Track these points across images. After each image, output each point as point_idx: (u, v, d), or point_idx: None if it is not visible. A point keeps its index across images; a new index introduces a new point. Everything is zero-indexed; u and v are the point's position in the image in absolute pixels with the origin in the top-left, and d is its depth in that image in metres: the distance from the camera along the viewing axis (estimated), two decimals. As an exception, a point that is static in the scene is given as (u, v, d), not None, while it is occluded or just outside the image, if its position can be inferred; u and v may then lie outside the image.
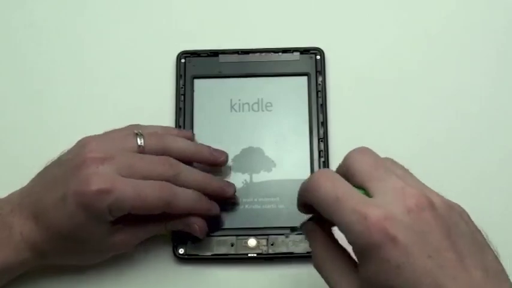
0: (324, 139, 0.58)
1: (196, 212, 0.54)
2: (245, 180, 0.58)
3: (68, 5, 0.65)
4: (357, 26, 0.64)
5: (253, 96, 0.60)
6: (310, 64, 0.61)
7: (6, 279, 0.53)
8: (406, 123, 0.60)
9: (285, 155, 0.58)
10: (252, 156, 0.58)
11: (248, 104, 0.60)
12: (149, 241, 0.56)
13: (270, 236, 0.56)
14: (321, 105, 0.60)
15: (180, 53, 0.62)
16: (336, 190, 0.42)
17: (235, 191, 0.56)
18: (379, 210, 0.40)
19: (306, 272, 0.56)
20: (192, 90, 0.61)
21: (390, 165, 0.44)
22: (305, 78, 0.60)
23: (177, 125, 0.59)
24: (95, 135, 0.54)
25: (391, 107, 0.61)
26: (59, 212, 0.50)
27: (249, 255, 0.56)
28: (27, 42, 0.64)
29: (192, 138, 0.58)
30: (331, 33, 0.63)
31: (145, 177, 0.51)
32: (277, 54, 0.61)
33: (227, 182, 0.57)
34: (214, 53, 0.61)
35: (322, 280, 0.55)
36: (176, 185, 0.52)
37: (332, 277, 0.44)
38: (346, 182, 0.43)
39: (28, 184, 0.54)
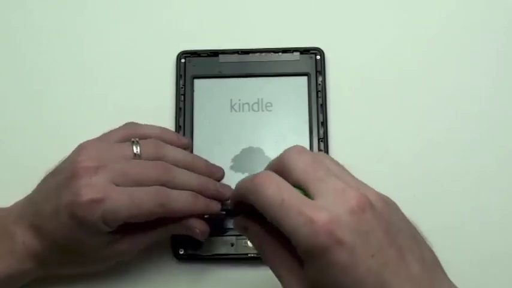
0: (323, 139, 0.58)
1: (195, 212, 0.53)
2: (245, 180, 0.58)
3: (68, 5, 0.65)
4: (356, 26, 0.64)
5: (253, 96, 0.60)
6: (310, 64, 0.61)
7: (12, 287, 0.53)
8: (406, 123, 0.60)
9: (285, 155, 0.58)
10: (252, 156, 0.58)
11: (248, 104, 0.60)
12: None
13: (270, 236, 0.56)
14: (321, 105, 0.60)
15: (180, 53, 0.62)
16: (281, 193, 0.42)
17: (230, 192, 0.55)
18: (325, 213, 0.40)
19: (306, 272, 0.56)
20: (192, 90, 0.61)
21: (328, 164, 0.44)
22: (305, 78, 0.60)
23: (177, 125, 0.59)
24: (93, 139, 0.53)
25: (391, 107, 0.61)
26: (54, 224, 0.50)
27: (249, 255, 0.56)
28: (27, 42, 0.64)
29: (188, 145, 0.57)
30: (331, 33, 0.63)
31: (140, 184, 0.50)
32: (277, 54, 0.61)
33: (223, 185, 0.55)
34: (214, 53, 0.61)
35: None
36: (172, 188, 0.51)
37: (281, 274, 0.45)
38: (289, 185, 0.43)
39: (30, 193, 0.54)
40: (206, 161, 0.56)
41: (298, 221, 0.41)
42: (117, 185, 0.50)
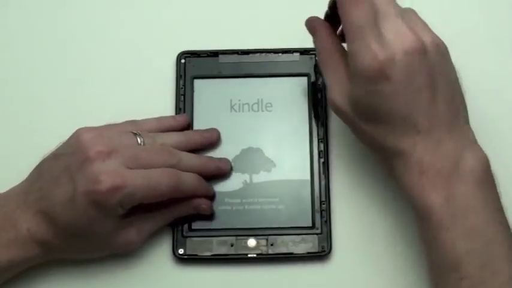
0: (323, 139, 0.58)
1: (199, 194, 0.55)
2: (245, 180, 0.58)
3: (69, 4, 0.65)
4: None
5: (253, 97, 0.60)
6: (310, 64, 0.61)
7: (13, 274, 0.54)
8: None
9: (284, 155, 0.58)
10: (251, 157, 0.58)
11: (248, 104, 0.60)
12: (149, 241, 0.56)
13: (270, 237, 0.56)
14: (321, 105, 0.60)
15: (180, 53, 0.62)
16: (365, 18, 0.47)
17: (231, 167, 0.58)
18: (384, 52, 0.47)
19: (306, 272, 0.56)
20: (192, 91, 0.61)
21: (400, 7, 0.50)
22: (305, 78, 0.60)
23: (178, 125, 0.59)
24: (90, 127, 0.54)
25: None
26: (67, 209, 0.51)
27: (249, 255, 0.56)
28: (27, 42, 0.64)
29: (186, 121, 0.59)
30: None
31: (150, 167, 0.52)
32: (277, 54, 0.61)
33: (222, 159, 0.58)
34: (214, 54, 0.61)
35: (322, 280, 0.56)
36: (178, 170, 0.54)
37: (331, 81, 0.52)
38: (371, 11, 0.48)
39: (28, 179, 0.54)
40: (198, 131, 0.59)
41: (363, 50, 0.47)
42: (130, 169, 0.51)
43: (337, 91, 0.51)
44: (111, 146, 0.51)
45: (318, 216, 0.56)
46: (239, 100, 0.60)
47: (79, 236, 0.52)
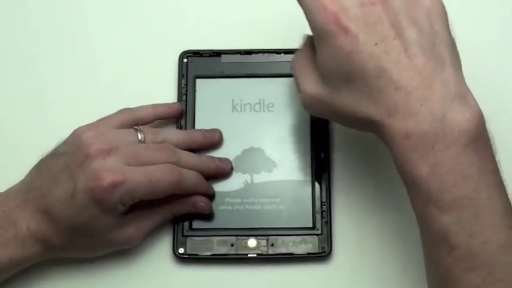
0: (325, 140, 0.58)
1: (199, 192, 0.55)
2: (246, 180, 0.58)
3: (71, 4, 0.65)
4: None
5: (255, 97, 0.60)
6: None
7: (12, 273, 0.54)
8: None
9: (285, 155, 0.58)
10: (253, 157, 0.58)
11: (250, 104, 0.60)
12: (149, 240, 0.56)
13: (270, 237, 0.56)
14: (323, 106, 0.60)
15: (183, 52, 0.62)
16: None
17: (232, 167, 0.58)
18: (337, 3, 0.45)
19: (306, 273, 0.56)
20: (194, 90, 0.61)
21: None
22: (307, 79, 0.60)
23: (179, 124, 0.59)
24: (88, 125, 0.54)
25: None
26: (69, 207, 0.51)
27: (249, 255, 0.56)
28: (29, 41, 0.64)
29: (180, 108, 0.59)
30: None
31: (151, 164, 0.52)
32: (279, 55, 0.61)
33: (222, 159, 0.58)
34: (217, 53, 0.61)
35: (322, 281, 0.56)
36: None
37: (299, 76, 0.50)
38: None
39: (27, 178, 0.54)
40: (201, 130, 0.58)
41: (313, 6, 0.46)
42: (130, 166, 0.51)
43: (307, 81, 0.49)
44: (111, 143, 0.52)
45: (318, 217, 0.56)
46: (241, 100, 0.60)
47: (79, 234, 0.52)
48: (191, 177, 0.55)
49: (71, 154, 0.52)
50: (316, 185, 0.57)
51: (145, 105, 0.58)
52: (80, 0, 0.65)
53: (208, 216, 0.57)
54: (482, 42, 0.62)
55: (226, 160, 0.58)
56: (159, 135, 0.55)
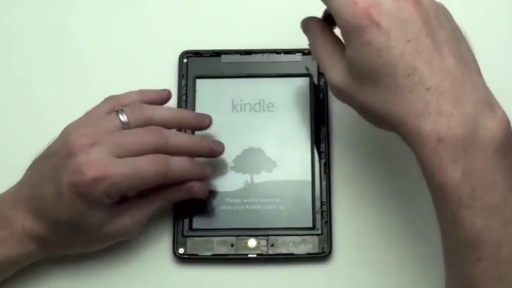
0: (325, 140, 0.58)
1: (192, 177, 0.54)
2: (246, 180, 0.58)
3: (70, 3, 0.65)
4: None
5: (255, 97, 0.60)
6: (312, 65, 0.61)
7: (11, 272, 0.54)
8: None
9: (286, 155, 0.58)
10: (253, 157, 0.58)
11: (250, 104, 0.60)
12: (149, 241, 0.56)
13: (270, 237, 0.56)
14: (323, 106, 0.59)
15: (183, 52, 0.62)
16: None
17: (223, 149, 0.57)
18: None
19: (306, 273, 0.56)
20: (194, 90, 0.61)
21: None
22: (307, 79, 0.60)
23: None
24: (77, 120, 0.54)
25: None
26: (56, 205, 0.51)
27: (249, 255, 0.56)
28: (27, 40, 0.64)
29: (169, 95, 0.58)
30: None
31: (137, 152, 0.51)
32: (279, 55, 0.61)
33: (215, 140, 0.57)
34: (217, 53, 0.61)
35: (322, 281, 0.56)
36: (167, 152, 0.53)
37: (325, 61, 0.49)
38: None
39: (21, 179, 0.55)
40: (193, 112, 0.58)
41: (343, 2, 0.45)
42: (115, 157, 0.51)
43: (334, 70, 0.48)
44: (94, 136, 0.51)
45: (318, 217, 0.56)
46: (241, 100, 0.60)
47: (72, 230, 0.52)
48: (180, 164, 0.53)
49: (56, 154, 0.52)
50: (317, 185, 0.57)
51: (132, 91, 0.57)
52: (81, 1, 0.65)
53: (209, 215, 0.57)
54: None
55: (219, 142, 0.57)
56: (144, 112, 0.54)
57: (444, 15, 0.46)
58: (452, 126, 0.42)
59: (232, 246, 0.56)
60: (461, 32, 0.46)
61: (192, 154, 0.55)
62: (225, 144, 0.58)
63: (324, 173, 0.57)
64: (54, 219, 0.51)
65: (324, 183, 0.57)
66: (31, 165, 0.54)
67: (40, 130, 0.60)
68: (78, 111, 0.60)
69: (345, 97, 0.48)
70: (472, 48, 0.46)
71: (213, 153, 0.56)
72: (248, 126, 0.59)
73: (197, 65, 0.61)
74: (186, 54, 0.62)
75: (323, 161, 0.58)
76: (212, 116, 0.59)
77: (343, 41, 0.47)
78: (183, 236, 0.56)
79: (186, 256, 0.56)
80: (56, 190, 0.50)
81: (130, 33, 0.64)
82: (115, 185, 0.50)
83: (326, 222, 0.56)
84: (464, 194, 0.42)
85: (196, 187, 0.55)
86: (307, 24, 0.52)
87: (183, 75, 0.61)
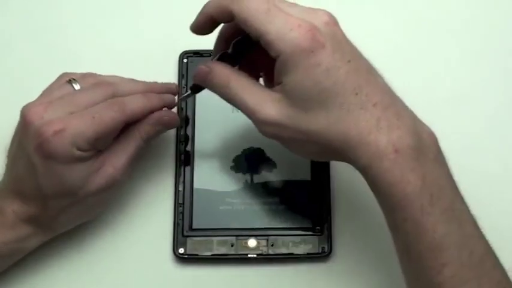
0: (325, 140, 0.58)
1: (154, 108, 0.54)
2: (246, 180, 0.58)
3: (70, 3, 0.65)
4: (358, 27, 0.63)
5: (255, 97, 0.60)
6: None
7: (14, 259, 0.54)
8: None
9: (285, 155, 0.58)
10: (253, 157, 0.58)
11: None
12: (149, 241, 0.56)
13: (270, 237, 0.56)
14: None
15: (183, 52, 0.62)
16: (267, 2, 0.46)
17: (177, 89, 0.57)
18: (308, 22, 0.45)
19: (306, 273, 0.56)
20: (194, 90, 0.61)
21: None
22: (307, 78, 0.60)
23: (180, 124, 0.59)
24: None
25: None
26: (33, 177, 0.50)
27: (249, 255, 0.56)
28: (27, 41, 0.64)
29: (176, 90, 0.57)
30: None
31: (90, 106, 0.51)
32: (279, 54, 0.61)
33: (169, 83, 0.57)
34: (217, 53, 0.61)
35: (322, 281, 0.56)
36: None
37: (250, 100, 0.48)
38: (269, 3, 0.46)
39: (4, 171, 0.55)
40: (155, 84, 0.56)
41: (285, 26, 0.45)
42: (71, 113, 0.50)
43: (264, 105, 0.47)
44: (46, 102, 0.51)
45: (318, 217, 0.56)
46: (241, 100, 0.60)
47: (59, 197, 0.51)
48: (135, 100, 0.53)
49: (18, 131, 0.52)
50: (316, 185, 0.57)
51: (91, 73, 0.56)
52: (81, 1, 0.65)
53: (209, 215, 0.57)
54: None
55: (173, 84, 0.57)
56: (98, 79, 0.54)
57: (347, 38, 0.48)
58: (402, 137, 0.44)
59: (232, 246, 0.56)
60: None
61: (146, 102, 0.54)
62: (224, 144, 0.58)
63: (324, 172, 0.57)
64: (37, 193, 0.51)
65: (323, 183, 0.57)
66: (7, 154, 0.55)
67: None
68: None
69: (283, 131, 0.47)
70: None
71: (169, 91, 0.56)
72: (248, 126, 0.59)
73: (197, 65, 0.61)
74: (186, 54, 0.62)
75: (323, 160, 0.58)
76: (212, 116, 0.59)
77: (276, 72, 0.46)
78: (183, 236, 0.56)
79: (186, 256, 0.56)
80: (28, 162, 0.50)
81: (131, 33, 0.64)
82: (79, 135, 0.50)
83: (326, 222, 0.56)
84: (425, 201, 0.43)
85: (166, 116, 0.54)
86: (211, 71, 0.50)
87: (183, 75, 0.61)
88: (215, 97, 0.60)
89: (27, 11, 0.65)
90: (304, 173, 0.57)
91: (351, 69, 0.45)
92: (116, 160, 0.53)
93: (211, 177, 0.58)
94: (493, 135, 0.60)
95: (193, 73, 0.52)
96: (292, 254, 0.55)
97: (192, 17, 0.64)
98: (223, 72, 0.49)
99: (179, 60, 0.62)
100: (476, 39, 0.63)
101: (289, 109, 0.46)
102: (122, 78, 0.56)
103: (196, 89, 0.53)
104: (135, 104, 0.53)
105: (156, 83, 0.56)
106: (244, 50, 0.50)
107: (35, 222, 0.52)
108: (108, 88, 0.53)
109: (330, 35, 0.45)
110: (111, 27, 0.65)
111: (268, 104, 0.47)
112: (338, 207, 0.57)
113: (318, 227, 0.56)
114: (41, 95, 0.54)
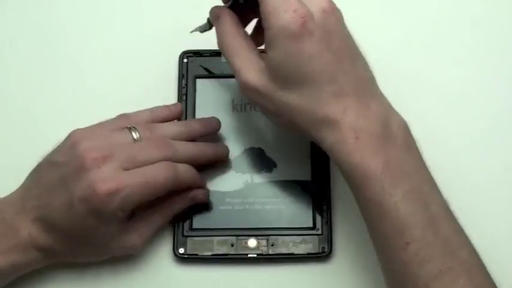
0: (325, 140, 0.58)
1: (195, 185, 0.55)
2: (246, 180, 0.58)
3: (71, 3, 0.65)
4: (359, 27, 0.63)
5: (255, 97, 0.60)
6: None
7: (13, 278, 0.54)
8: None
9: (286, 155, 0.58)
10: (253, 157, 0.58)
11: (250, 104, 0.60)
12: (150, 240, 0.56)
13: (270, 237, 0.56)
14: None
15: (183, 52, 0.62)
16: None
17: (228, 152, 0.58)
18: (305, 7, 0.47)
19: (306, 273, 0.56)
20: (194, 90, 0.61)
21: None
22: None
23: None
24: (85, 129, 0.54)
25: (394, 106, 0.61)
26: (66, 218, 0.51)
27: (249, 255, 0.56)
28: (27, 41, 0.64)
29: (180, 110, 0.59)
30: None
31: (147, 164, 0.52)
32: (279, 54, 0.61)
33: (219, 144, 0.58)
34: (217, 53, 0.61)
35: (322, 281, 0.56)
36: (176, 162, 0.53)
37: (239, 59, 0.50)
38: None
39: (26, 184, 0.54)
40: (198, 119, 0.58)
41: (282, 6, 0.47)
42: (126, 170, 0.51)
43: (248, 69, 0.50)
44: (105, 150, 0.51)
45: (318, 217, 0.56)
46: (241, 100, 0.60)
47: (80, 243, 0.52)
48: (187, 171, 0.54)
49: (66, 164, 0.51)
50: (316, 185, 0.57)
51: (143, 110, 0.57)
52: (81, 1, 0.65)
53: (209, 215, 0.57)
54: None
55: (224, 145, 0.58)
56: (155, 131, 0.55)
57: (344, 25, 0.50)
58: (367, 126, 0.47)
59: (232, 246, 0.56)
60: (355, 42, 0.50)
61: (199, 160, 0.56)
62: (225, 143, 0.58)
63: (324, 173, 0.57)
64: (63, 231, 0.51)
65: (323, 183, 0.57)
66: (36, 170, 0.54)
67: (39, 128, 0.61)
68: (78, 112, 0.61)
69: (259, 98, 0.50)
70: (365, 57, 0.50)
71: (218, 156, 0.57)
72: (248, 126, 0.59)
73: (197, 65, 0.61)
74: (186, 54, 0.62)
75: (323, 160, 0.58)
76: (212, 116, 0.59)
77: (264, 43, 0.49)
78: (183, 236, 0.56)
79: (186, 256, 0.56)
80: (67, 203, 0.50)
81: (131, 33, 0.64)
82: (128, 198, 0.50)
83: (326, 222, 0.56)
84: (386, 183, 0.46)
85: (200, 194, 0.56)
86: (219, 14, 0.53)
87: (183, 75, 0.61)
88: (215, 97, 0.60)
89: (27, 11, 0.65)
90: (304, 173, 0.57)
91: (333, 60, 0.47)
92: (143, 231, 0.54)
93: (212, 177, 0.58)
94: (497, 134, 0.60)
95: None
96: (292, 254, 0.55)
97: (192, 17, 0.64)
98: (225, 25, 0.52)
99: (179, 60, 0.62)
100: (481, 37, 0.64)
101: (268, 81, 0.49)
102: (180, 128, 0.56)
103: (211, 25, 0.55)
104: (187, 175, 0.54)
105: (209, 146, 0.57)
106: (254, 3, 0.50)
107: (46, 251, 0.52)
108: (168, 149, 0.53)
109: (322, 23, 0.47)
110: (111, 27, 0.65)
111: (251, 71, 0.50)
112: (338, 207, 0.57)
113: (318, 227, 0.56)
114: (95, 133, 0.53)
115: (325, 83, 0.47)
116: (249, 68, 0.50)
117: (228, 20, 0.52)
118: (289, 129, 0.51)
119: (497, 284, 0.47)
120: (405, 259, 0.46)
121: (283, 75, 0.48)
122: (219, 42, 0.52)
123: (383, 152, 0.47)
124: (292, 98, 0.48)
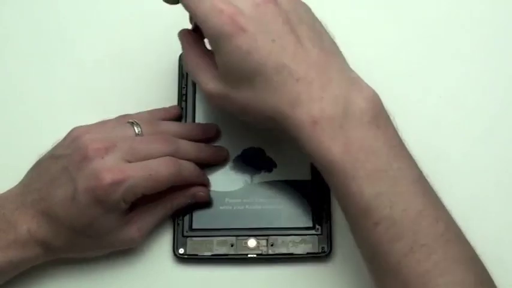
0: (325, 140, 0.58)
1: (197, 182, 0.56)
2: (246, 180, 0.58)
3: (71, 3, 0.65)
4: (359, 27, 0.64)
5: (255, 97, 0.60)
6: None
7: (13, 274, 0.54)
8: (407, 126, 0.60)
9: (285, 155, 0.58)
10: (253, 157, 0.58)
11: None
12: (149, 240, 0.56)
13: (270, 237, 0.56)
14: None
15: (183, 52, 0.62)
16: None
17: (228, 155, 0.58)
18: (232, 6, 0.47)
19: (306, 273, 0.56)
20: (194, 90, 0.60)
21: None
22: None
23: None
24: (86, 125, 0.54)
25: (392, 108, 0.61)
26: (70, 209, 0.51)
27: (249, 255, 0.56)
28: (30, 41, 0.64)
29: (178, 112, 0.59)
30: (333, 33, 0.63)
31: (149, 158, 0.52)
32: (279, 54, 0.61)
33: (219, 147, 0.58)
34: (217, 53, 0.61)
35: (322, 281, 0.56)
36: (177, 157, 0.54)
37: (197, 72, 0.52)
38: None
39: (25, 180, 0.54)
40: (199, 124, 0.59)
41: (209, 12, 0.47)
42: (129, 162, 0.51)
43: (207, 80, 0.51)
44: (108, 141, 0.52)
45: (318, 217, 0.56)
46: (241, 100, 0.60)
47: (81, 235, 0.52)
48: (189, 168, 0.55)
49: (68, 156, 0.52)
50: (316, 185, 0.57)
51: (142, 112, 0.58)
52: (80, 1, 0.65)
53: (209, 215, 0.57)
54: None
55: (223, 148, 0.58)
56: (157, 128, 0.56)
57: (304, 11, 0.50)
58: (324, 109, 0.46)
59: (232, 246, 0.56)
60: (321, 24, 0.51)
61: (199, 160, 0.56)
62: (224, 143, 0.58)
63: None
64: (64, 222, 0.51)
65: (323, 183, 0.57)
66: (36, 166, 0.54)
67: (40, 128, 0.61)
68: (78, 111, 0.61)
69: (222, 103, 0.51)
70: (334, 38, 0.51)
71: (218, 157, 0.58)
72: (248, 126, 0.59)
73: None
74: (186, 55, 0.62)
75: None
76: (212, 116, 0.60)
77: (211, 49, 0.49)
78: (183, 236, 0.56)
79: (186, 256, 0.56)
80: (70, 194, 0.51)
81: (131, 34, 0.64)
82: (132, 188, 0.51)
83: (326, 222, 0.56)
84: (348, 166, 0.46)
85: (202, 192, 0.56)
86: (180, 37, 0.54)
87: (183, 75, 0.61)
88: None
89: (26, 11, 0.65)
90: (304, 173, 0.57)
91: (274, 49, 0.47)
92: (142, 224, 0.54)
93: (211, 177, 0.58)
94: (496, 134, 0.60)
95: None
96: (292, 254, 0.55)
97: (192, 17, 0.64)
98: (185, 46, 0.54)
99: (179, 60, 0.62)
100: (480, 36, 0.64)
101: (224, 86, 0.50)
102: (181, 129, 0.57)
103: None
104: (189, 172, 0.55)
105: (209, 147, 0.58)
106: None
107: (46, 246, 0.52)
108: (170, 145, 0.54)
109: (256, 16, 0.47)
110: (111, 28, 0.65)
111: (209, 80, 0.50)
112: (338, 207, 0.56)
113: (318, 227, 0.56)
114: (98, 127, 0.54)
115: (271, 73, 0.47)
116: (207, 78, 0.51)
117: (185, 41, 0.54)
118: (264, 126, 0.51)
119: (496, 284, 0.47)
120: (375, 238, 0.46)
121: (232, 76, 0.49)
122: (183, 63, 0.56)
123: (343, 134, 0.46)
124: (247, 96, 0.48)
